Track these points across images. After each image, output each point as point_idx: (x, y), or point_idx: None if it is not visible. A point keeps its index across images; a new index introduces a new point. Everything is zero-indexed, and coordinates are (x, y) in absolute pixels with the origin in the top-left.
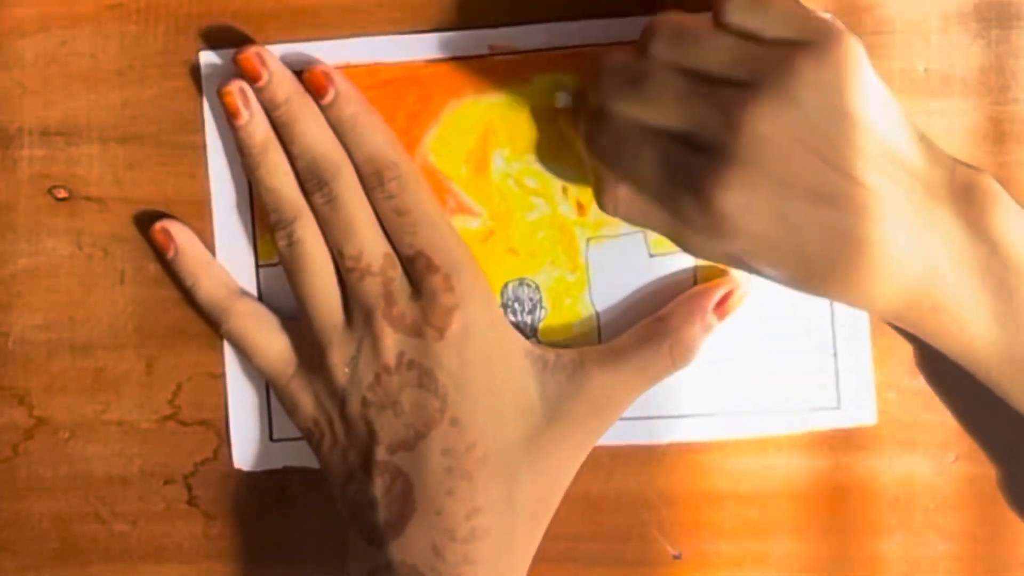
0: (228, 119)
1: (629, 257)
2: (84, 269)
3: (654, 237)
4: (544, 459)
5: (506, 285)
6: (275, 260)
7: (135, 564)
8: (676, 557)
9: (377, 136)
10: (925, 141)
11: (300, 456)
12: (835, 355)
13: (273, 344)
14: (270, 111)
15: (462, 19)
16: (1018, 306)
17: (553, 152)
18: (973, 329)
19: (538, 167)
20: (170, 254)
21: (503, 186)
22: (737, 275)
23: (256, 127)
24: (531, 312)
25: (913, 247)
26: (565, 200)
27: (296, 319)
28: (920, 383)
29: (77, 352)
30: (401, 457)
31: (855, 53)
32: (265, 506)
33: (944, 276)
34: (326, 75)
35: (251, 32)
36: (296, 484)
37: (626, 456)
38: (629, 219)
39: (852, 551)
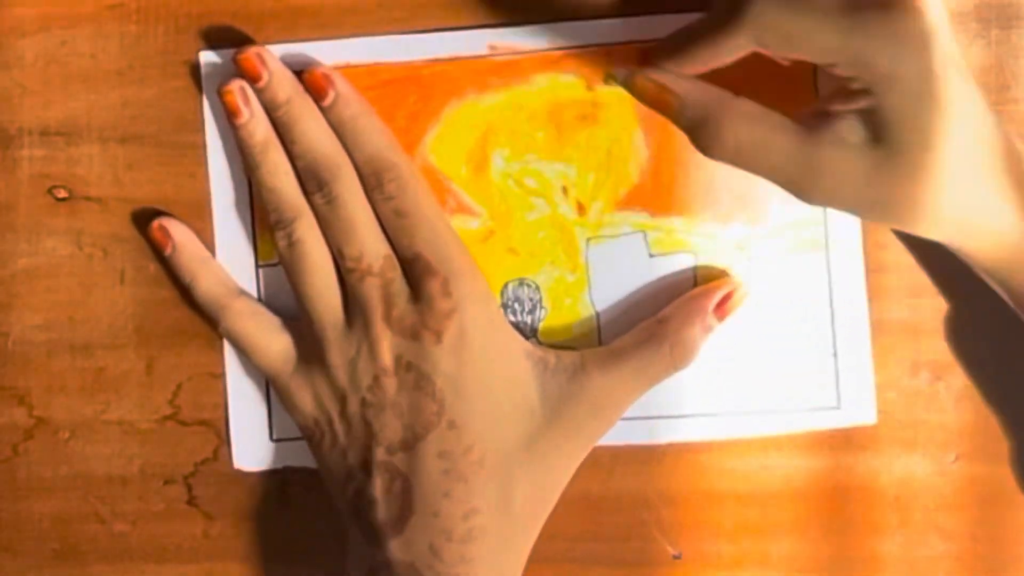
0: (228, 118)
1: (629, 257)
2: (84, 269)
3: (654, 237)
4: (542, 461)
5: (506, 285)
6: (275, 260)
7: (135, 564)
8: (676, 557)
9: (377, 138)
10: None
11: (300, 456)
12: (835, 355)
13: (273, 343)
14: (271, 111)
15: (462, 19)
16: None
17: (553, 152)
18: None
19: (538, 167)
20: (167, 251)
21: (503, 186)
22: (736, 276)
23: (256, 126)
24: (531, 312)
25: (1007, 197)
26: (565, 200)
27: (297, 319)
28: (920, 383)
29: (77, 352)
30: (400, 458)
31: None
32: (265, 506)
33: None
34: (326, 77)
35: (251, 32)
36: (296, 484)
37: (626, 456)
38: (753, 147)
39: (852, 551)
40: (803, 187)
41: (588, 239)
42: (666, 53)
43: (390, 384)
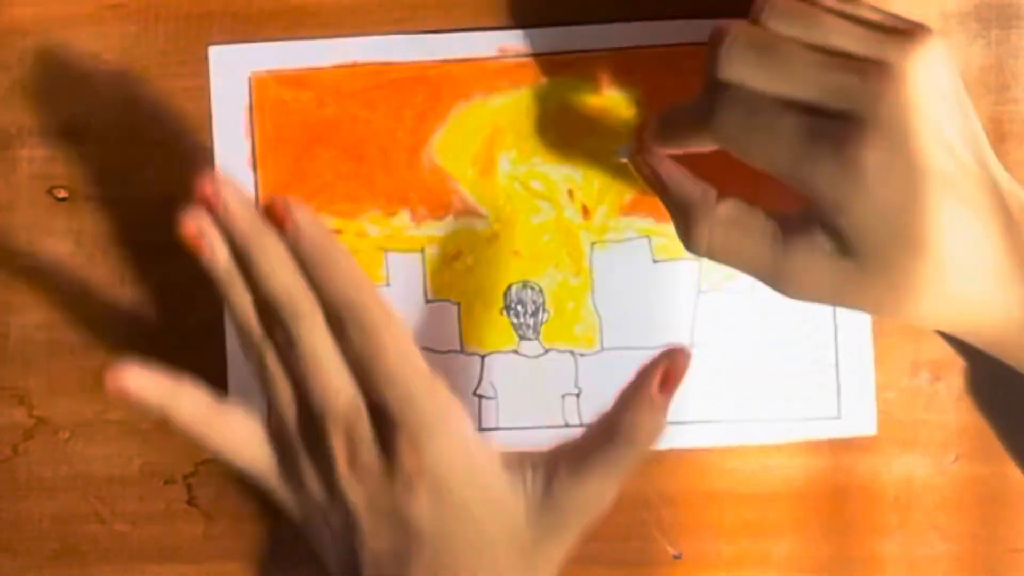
0: (190, 251)
1: (633, 262)
2: (84, 269)
3: (659, 242)
4: (536, 571)
5: (509, 287)
6: None
7: (135, 564)
8: (676, 557)
9: (339, 275)
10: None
11: None
12: (836, 365)
13: (254, 456)
14: (232, 243)
15: (462, 20)
16: None
17: (559, 156)
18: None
19: (544, 170)
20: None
21: (509, 188)
22: (676, 343)
23: (218, 258)
24: (534, 315)
25: (1014, 254)
26: (570, 204)
27: None
28: (920, 383)
29: (77, 352)
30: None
31: (947, 48)
32: (265, 506)
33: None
34: (286, 207)
35: (252, 32)
36: None
37: None
38: (725, 249)
39: (852, 551)
40: (778, 287)
41: (592, 243)
42: (652, 135)
43: (364, 522)
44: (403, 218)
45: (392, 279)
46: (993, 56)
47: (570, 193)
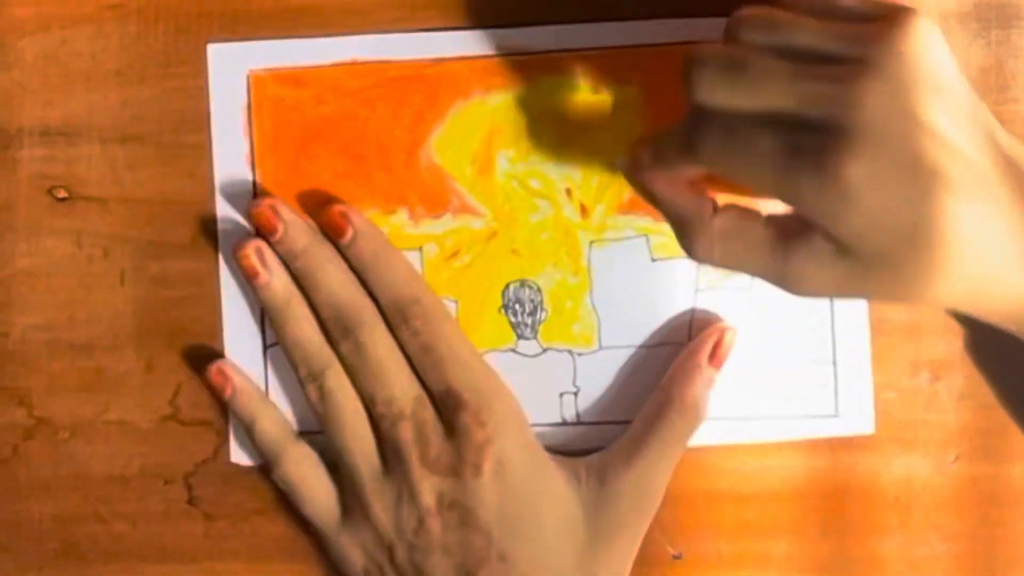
0: (247, 280)
1: (631, 261)
2: (84, 269)
3: (657, 241)
4: (597, 572)
5: (508, 286)
6: None
7: (135, 564)
8: (676, 557)
9: (398, 273)
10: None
11: None
12: (834, 363)
13: (321, 494)
14: (289, 262)
15: (461, 20)
16: None
17: (558, 155)
18: None
19: (542, 169)
20: (227, 394)
21: (507, 187)
22: (725, 319)
23: (278, 284)
24: (532, 314)
25: (1016, 227)
26: (569, 202)
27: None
28: (920, 383)
29: (77, 352)
30: None
31: (936, 29)
32: (265, 506)
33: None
34: (344, 215)
35: (251, 32)
36: None
37: None
38: (725, 258)
39: (852, 551)
40: (784, 288)
41: (591, 242)
42: (647, 156)
43: (435, 525)
44: (401, 216)
45: None
46: (993, 56)
47: (568, 192)
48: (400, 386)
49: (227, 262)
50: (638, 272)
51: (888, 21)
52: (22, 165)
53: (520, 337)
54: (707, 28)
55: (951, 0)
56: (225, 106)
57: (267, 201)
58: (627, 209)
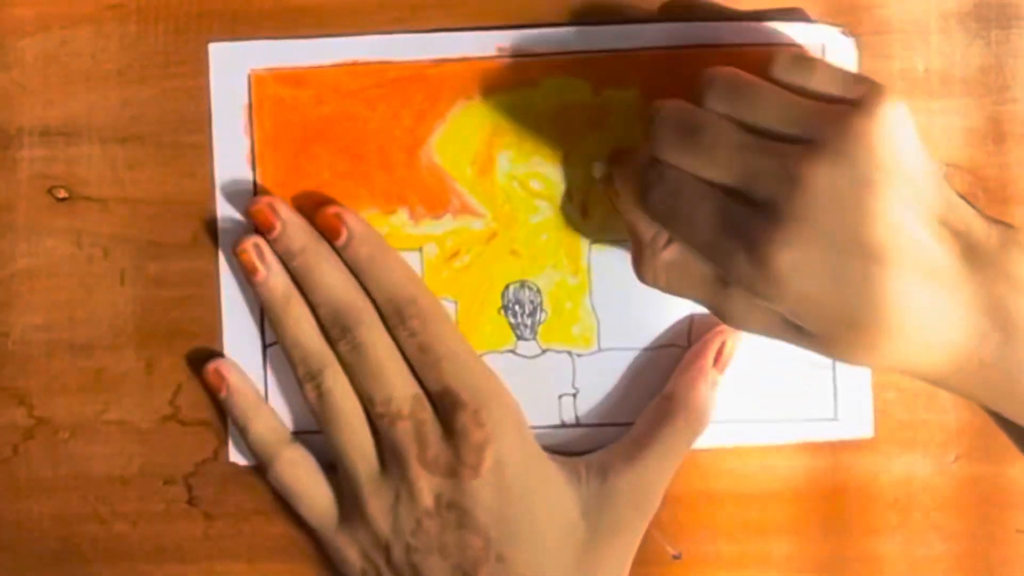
0: (246, 276)
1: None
2: (84, 269)
3: None
4: (595, 572)
5: (507, 287)
6: None
7: (135, 564)
8: (676, 557)
9: (395, 273)
10: (960, 200)
11: None
12: (833, 366)
13: (317, 496)
14: (286, 261)
15: (461, 20)
16: None
17: (558, 156)
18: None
19: (543, 170)
20: (222, 394)
21: (507, 188)
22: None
23: (276, 281)
24: (531, 315)
25: (958, 305)
26: (569, 204)
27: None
28: (920, 383)
29: (77, 352)
30: None
31: (902, 113)
32: (265, 506)
33: (989, 334)
34: (338, 217)
35: (251, 32)
36: None
37: None
38: (670, 287)
39: (852, 551)
40: (723, 320)
41: (591, 243)
42: (616, 177)
43: (433, 526)
44: (401, 217)
45: None
46: (993, 56)
47: (569, 193)
48: (398, 386)
49: (227, 262)
50: None
51: (852, 103)
52: (22, 165)
53: (519, 338)
54: (706, 31)
55: (951, 0)
56: (226, 106)
57: (265, 199)
58: None
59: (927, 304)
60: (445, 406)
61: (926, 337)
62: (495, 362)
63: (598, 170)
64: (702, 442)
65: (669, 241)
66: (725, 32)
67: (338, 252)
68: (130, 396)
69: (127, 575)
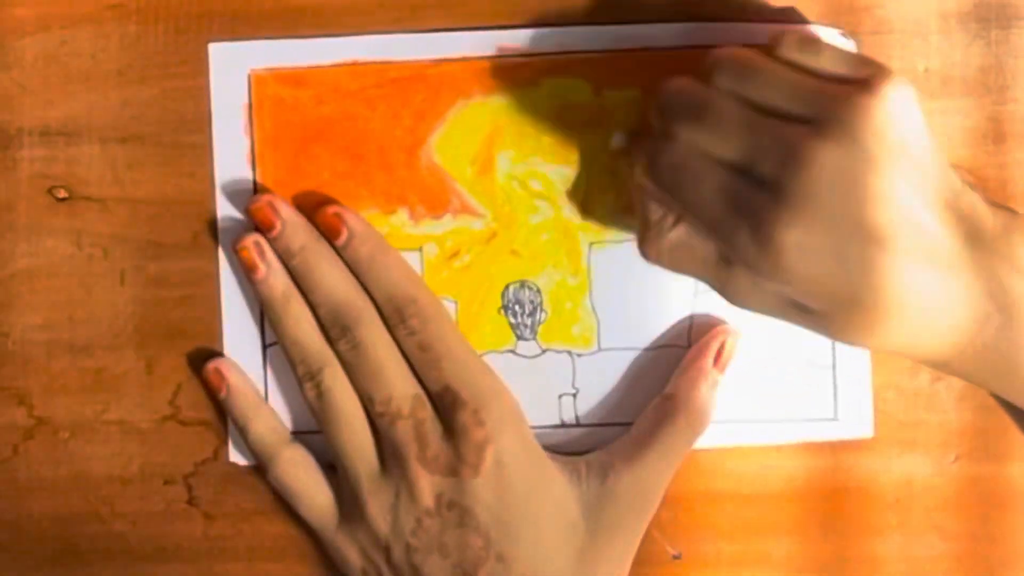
0: (246, 274)
1: (631, 262)
2: (84, 269)
3: None
4: (594, 572)
5: (507, 287)
6: None
7: (135, 564)
8: (676, 557)
9: (395, 272)
10: (966, 185)
11: None
12: (833, 367)
13: (317, 496)
14: (286, 260)
15: (461, 20)
16: None
17: (559, 156)
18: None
19: (543, 170)
20: (222, 394)
21: (507, 188)
22: (727, 322)
23: (275, 280)
24: (531, 315)
25: (960, 288)
26: (569, 204)
27: None
28: (920, 383)
29: (77, 352)
30: None
31: (909, 94)
32: (265, 506)
33: (991, 317)
34: (338, 216)
35: (251, 32)
36: None
37: None
38: (672, 265)
39: (852, 551)
40: (725, 299)
41: (591, 243)
42: (636, 150)
43: (433, 525)
44: (401, 217)
45: None
46: (993, 56)
47: (569, 193)
48: (398, 385)
49: (228, 262)
50: (638, 274)
51: (859, 83)
52: (22, 165)
53: (519, 338)
54: (707, 32)
55: (951, 0)
56: (226, 105)
57: (266, 197)
58: (627, 211)
59: (929, 287)
60: (445, 405)
61: (927, 319)
62: (495, 362)
63: (617, 140)
64: (702, 442)
65: (676, 222)
66: (725, 32)
67: (338, 252)
68: (130, 396)
69: (127, 575)
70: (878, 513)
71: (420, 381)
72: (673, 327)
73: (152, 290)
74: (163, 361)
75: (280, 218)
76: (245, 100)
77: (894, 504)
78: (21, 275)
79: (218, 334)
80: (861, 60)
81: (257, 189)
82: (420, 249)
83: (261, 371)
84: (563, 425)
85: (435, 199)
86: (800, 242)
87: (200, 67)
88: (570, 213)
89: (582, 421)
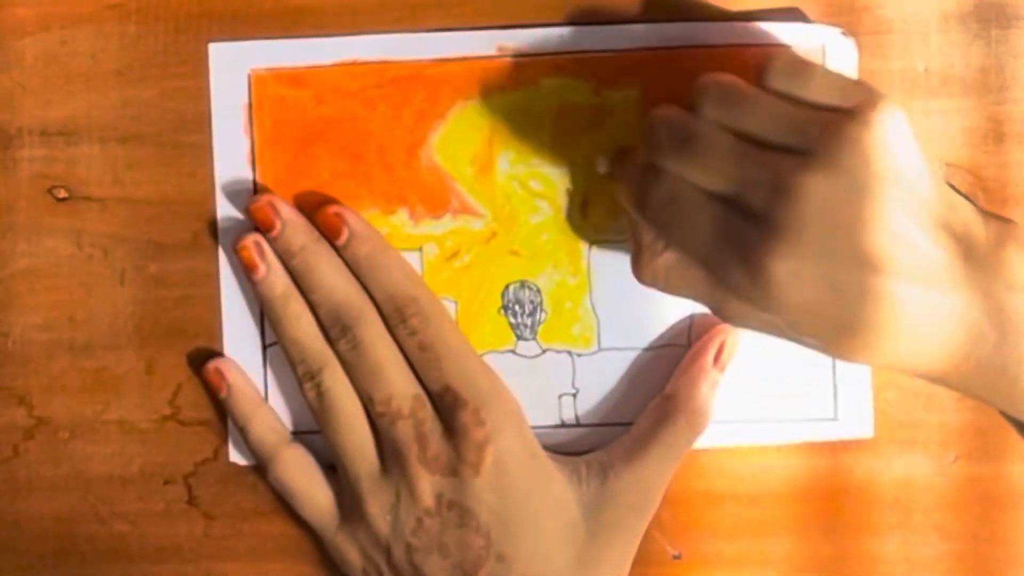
0: (246, 273)
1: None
2: (84, 269)
3: None
4: (595, 572)
5: (507, 287)
6: None
7: (135, 564)
8: (676, 557)
9: (395, 272)
10: (961, 200)
11: None
12: (833, 366)
13: (317, 496)
14: (286, 260)
15: (461, 20)
16: None
17: (558, 156)
18: (1022, 383)
19: (543, 170)
20: (222, 394)
21: (507, 188)
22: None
23: (275, 279)
24: (531, 315)
25: (955, 307)
26: (569, 204)
27: None
28: (920, 383)
29: (77, 352)
30: None
31: (898, 118)
32: (265, 506)
33: (986, 334)
34: (338, 215)
35: (250, 32)
36: None
37: None
38: (668, 288)
39: (852, 551)
40: (721, 318)
41: (591, 243)
42: (618, 174)
43: (434, 525)
44: (401, 217)
45: None
46: (993, 56)
47: (569, 193)
48: (398, 385)
49: (228, 262)
50: None
51: (848, 112)
52: (22, 165)
53: (519, 338)
54: (708, 32)
55: (951, 0)
56: (226, 105)
57: (266, 197)
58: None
59: (924, 308)
60: (445, 405)
61: (923, 339)
62: (495, 362)
63: (602, 165)
64: (702, 442)
65: (667, 246)
66: (725, 32)
67: (338, 251)
68: (130, 396)
69: (127, 575)
70: (878, 513)
71: (420, 381)
72: (673, 327)
73: (152, 290)
74: (163, 361)
75: (280, 218)
76: (245, 100)
77: (894, 504)
78: (21, 275)
79: (218, 334)
80: (851, 85)
81: (257, 189)
82: (420, 249)
83: (261, 371)
84: (563, 425)
85: (435, 199)
86: (792, 273)
87: (200, 67)
88: (570, 213)
89: (582, 421)
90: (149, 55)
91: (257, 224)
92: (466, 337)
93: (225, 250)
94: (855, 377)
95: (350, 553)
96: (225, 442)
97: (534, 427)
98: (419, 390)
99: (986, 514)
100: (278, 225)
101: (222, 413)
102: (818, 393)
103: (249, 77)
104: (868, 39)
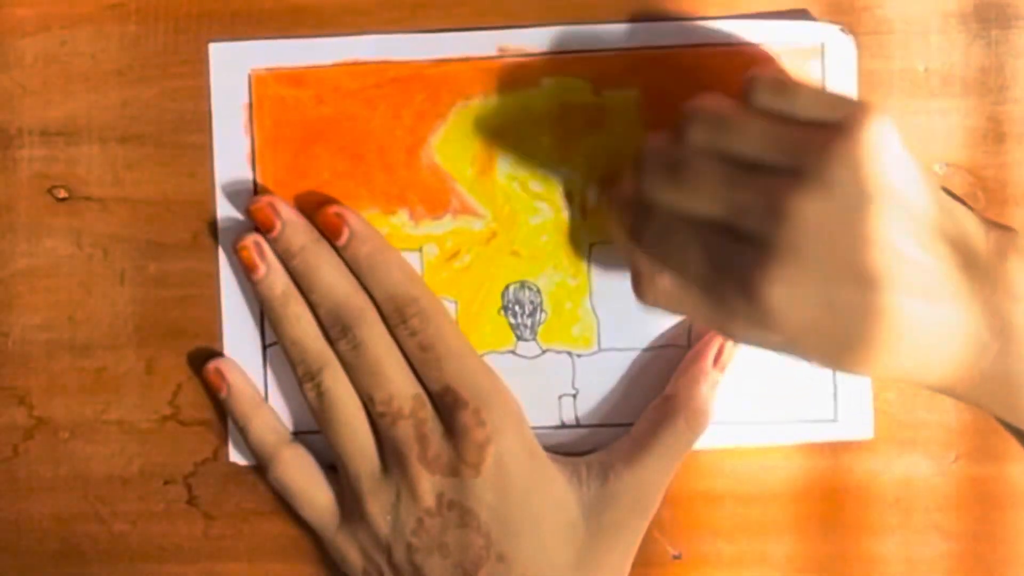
0: (246, 274)
1: None
2: (84, 269)
3: None
4: (595, 573)
5: (507, 287)
6: None
7: (135, 564)
8: (676, 557)
9: (395, 272)
10: (959, 208)
11: None
12: None
13: (317, 496)
14: (286, 261)
15: (461, 20)
16: None
17: (558, 156)
18: None
19: (543, 171)
20: (223, 394)
21: (508, 189)
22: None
23: (275, 280)
24: (531, 315)
25: (957, 319)
26: (569, 204)
27: None
28: None
29: (77, 352)
30: None
31: (887, 130)
32: (265, 506)
33: (989, 345)
34: (339, 215)
35: (251, 32)
36: None
37: None
38: (669, 309)
39: (852, 551)
40: (724, 336)
41: (591, 244)
42: (612, 204)
43: (434, 525)
44: (402, 217)
45: None
46: (993, 56)
47: (569, 194)
48: (398, 385)
49: (227, 262)
50: None
51: (836, 128)
52: (22, 165)
53: (519, 339)
54: (708, 31)
55: (951, 0)
56: (226, 105)
57: (266, 198)
58: None
59: (925, 321)
60: (446, 405)
61: (926, 352)
62: (495, 362)
63: (592, 195)
64: (702, 443)
65: (665, 270)
66: (725, 31)
67: (338, 252)
68: (130, 396)
69: (127, 575)
70: (878, 513)
71: (421, 381)
72: (673, 327)
73: (152, 290)
74: (163, 361)
75: (280, 218)
76: (245, 100)
77: (894, 504)
78: (21, 275)
79: (218, 334)
80: (837, 100)
81: (257, 189)
82: (420, 249)
83: (261, 371)
84: (563, 426)
85: (435, 199)
86: (790, 295)
87: (200, 67)
88: (570, 214)
89: (582, 422)
90: (149, 55)
91: (257, 224)
92: (466, 337)
93: (225, 250)
94: (855, 378)
95: (350, 553)
96: (225, 442)
97: (534, 428)
98: (419, 390)
99: (986, 514)
100: (278, 225)
101: (222, 413)
102: (818, 394)
103: (249, 77)
104: (868, 39)
